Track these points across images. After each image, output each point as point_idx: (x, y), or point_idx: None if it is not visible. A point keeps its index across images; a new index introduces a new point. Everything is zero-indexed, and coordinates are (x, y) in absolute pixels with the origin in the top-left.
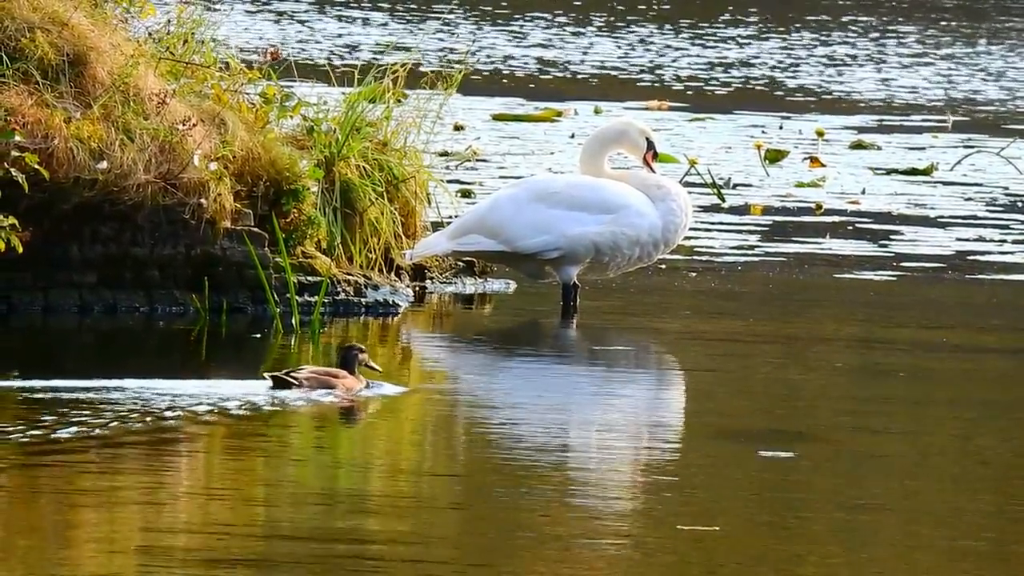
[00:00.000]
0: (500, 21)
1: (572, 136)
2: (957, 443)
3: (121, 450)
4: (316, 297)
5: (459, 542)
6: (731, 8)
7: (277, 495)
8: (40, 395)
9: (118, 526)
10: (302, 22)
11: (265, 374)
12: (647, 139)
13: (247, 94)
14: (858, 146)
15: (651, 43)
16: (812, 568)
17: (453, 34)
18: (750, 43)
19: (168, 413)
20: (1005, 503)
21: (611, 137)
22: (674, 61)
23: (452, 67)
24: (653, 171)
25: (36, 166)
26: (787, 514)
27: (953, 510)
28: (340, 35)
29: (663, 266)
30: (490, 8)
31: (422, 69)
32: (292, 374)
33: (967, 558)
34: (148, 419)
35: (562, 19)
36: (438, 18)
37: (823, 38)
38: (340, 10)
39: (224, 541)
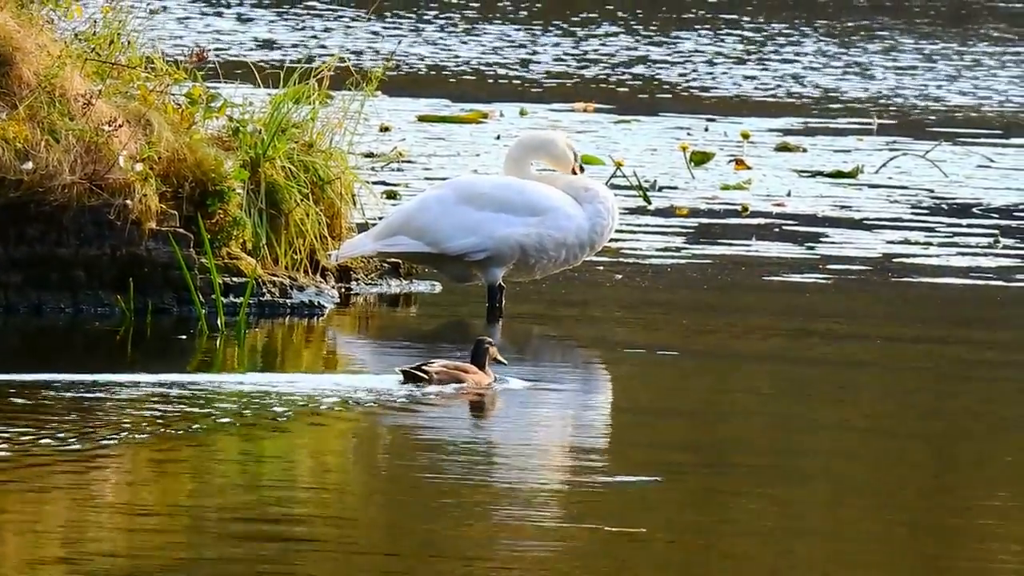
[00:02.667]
0: (426, 21)
1: (498, 138)
2: (884, 447)
3: (262, 442)
4: (241, 298)
5: (381, 549)
6: (664, 8)
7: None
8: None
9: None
10: (216, 19)
11: (396, 368)
12: (574, 151)
13: (173, 95)
14: (783, 148)
15: (577, 45)
16: (740, 570)
17: (378, 35)
18: (674, 45)
19: (302, 405)
20: (932, 514)
21: (535, 147)
22: (600, 62)
23: (376, 67)
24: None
25: None
26: (715, 516)
27: (880, 515)
28: (258, 36)
29: (588, 268)
30: (419, 9)
31: (348, 68)
32: (423, 368)
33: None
34: (283, 411)
35: (489, 20)
36: (364, 18)
37: (746, 40)
38: (255, 10)
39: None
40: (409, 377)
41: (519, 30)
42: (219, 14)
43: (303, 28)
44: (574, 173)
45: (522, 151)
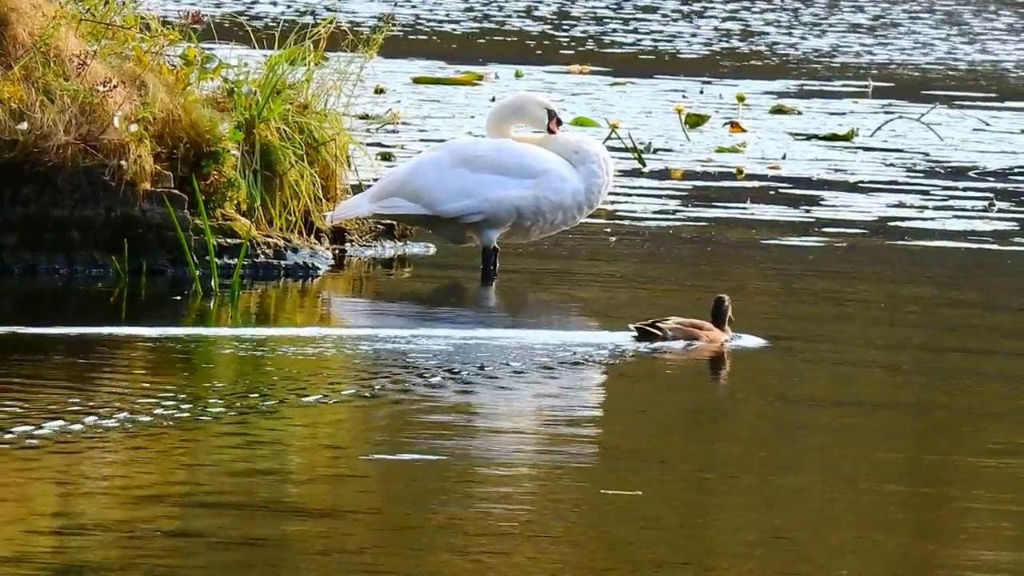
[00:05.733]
0: None
1: (493, 100)
2: (878, 411)
3: (508, 394)
4: (236, 259)
5: (374, 510)
6: None
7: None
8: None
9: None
10: None
11: (631, 325)
12: (547, 110)
13: (168, 56)
14: (778, 111)
15: (573, 5)
16: (731, 533)
17: None
18: (669, 7)
19: (540, 359)
20: (925, 486)
21: (510, 111)
22: (595, 24)
23: (374, 29)
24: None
25: None
26: (710, 477)
27: (872, 475)
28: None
29: (583, 231)
30: None
31: (343, 30)
32: (658, 325)
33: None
34: (515, 365)
35: None
36: None
37: (741, 3)
38: None
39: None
40: (643, 334)
41: None
42: None
43: None
44: (550, 132)
45: (498, 119)
